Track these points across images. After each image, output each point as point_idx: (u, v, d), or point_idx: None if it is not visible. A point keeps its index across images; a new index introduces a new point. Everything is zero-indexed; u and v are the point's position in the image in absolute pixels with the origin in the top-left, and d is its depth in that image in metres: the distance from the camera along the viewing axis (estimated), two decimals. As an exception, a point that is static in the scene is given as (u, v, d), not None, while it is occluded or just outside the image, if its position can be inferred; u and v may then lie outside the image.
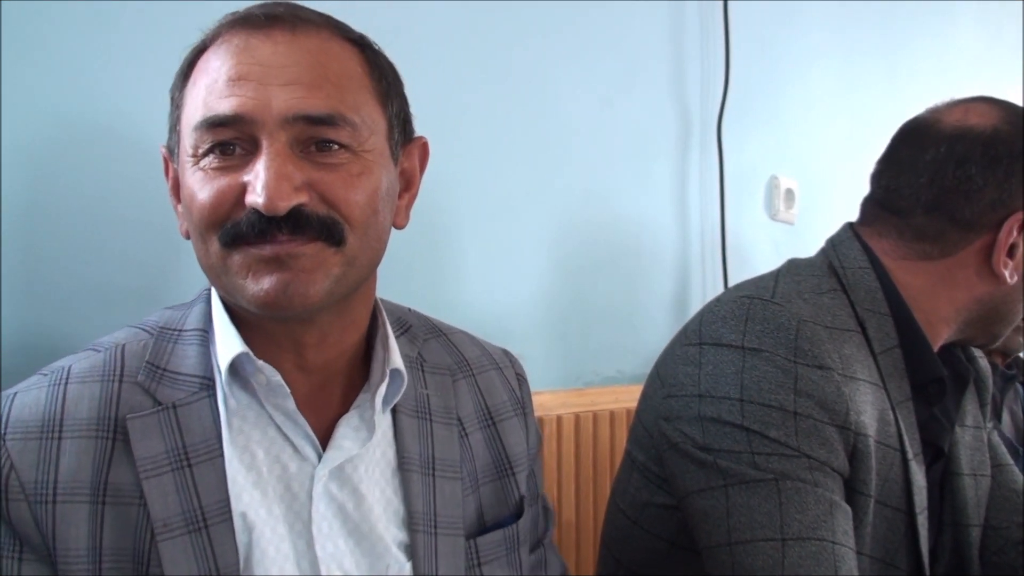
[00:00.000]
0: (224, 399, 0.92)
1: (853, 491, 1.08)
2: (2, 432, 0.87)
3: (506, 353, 1.13)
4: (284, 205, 0.91)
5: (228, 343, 0.93)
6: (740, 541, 1.04)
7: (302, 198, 0.92)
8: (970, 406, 1.29)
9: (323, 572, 0.91)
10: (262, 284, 0.91)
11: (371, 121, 0.98)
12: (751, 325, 1.11)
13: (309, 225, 0.92)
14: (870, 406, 1.09)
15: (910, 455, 1.12)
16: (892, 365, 1.14)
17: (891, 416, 1.12)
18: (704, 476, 1.07)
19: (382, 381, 0.96)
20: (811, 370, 1.06)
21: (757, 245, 2.06)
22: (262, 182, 0.90)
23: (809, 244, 1.30)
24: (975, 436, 1.30)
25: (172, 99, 0.99)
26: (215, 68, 0.96)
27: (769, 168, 2.09)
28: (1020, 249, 1.16)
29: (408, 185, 1.07)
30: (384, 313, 1.03)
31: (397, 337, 1.03)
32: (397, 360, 0.98)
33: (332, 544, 0.92)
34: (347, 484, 0.94)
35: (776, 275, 1.19)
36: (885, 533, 1.12)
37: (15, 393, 0.91)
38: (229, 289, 0.93)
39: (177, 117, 0.97)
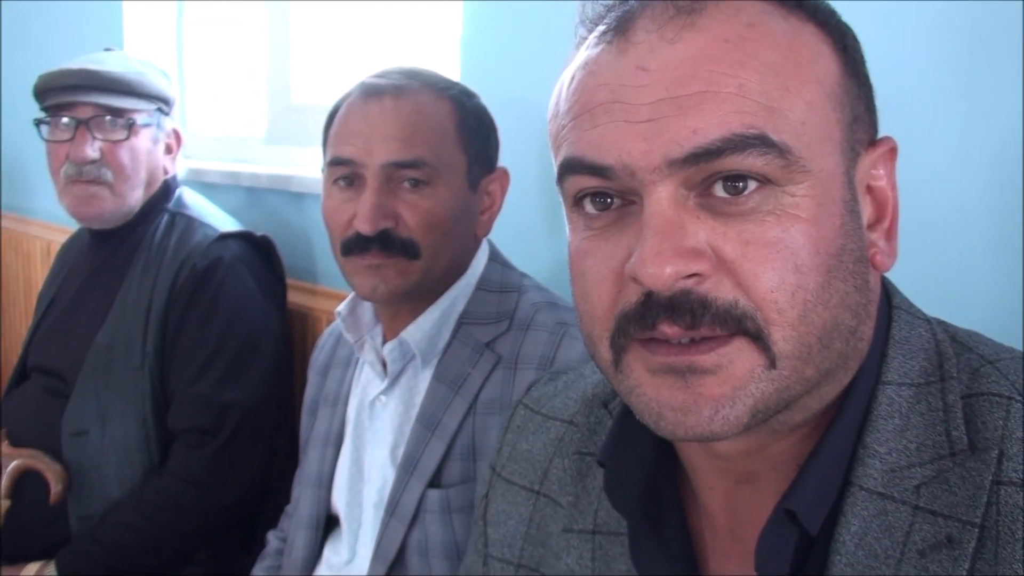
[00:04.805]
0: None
1: None
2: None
3: None
4: (373, 228, 1.29)
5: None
6: None
7: (389, 223, 1.30)
8: None
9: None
10: (363, 283, 1.33)
11: (449, 161, 1.34)
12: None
13: (392, 244, 1.31)
14: None
15: None
16: None
17: None
18: None
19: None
20: None
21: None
22: (362, 211, 1.30)
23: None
24: None
25: (323, 134, 1.40)
26: (340, 120, 1.36)
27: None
28: None
29: (491, 203, 1.43)
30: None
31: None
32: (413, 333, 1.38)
33: None
34: None
35: None
36: None
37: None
38: (347, 281, 1.37)
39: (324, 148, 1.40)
